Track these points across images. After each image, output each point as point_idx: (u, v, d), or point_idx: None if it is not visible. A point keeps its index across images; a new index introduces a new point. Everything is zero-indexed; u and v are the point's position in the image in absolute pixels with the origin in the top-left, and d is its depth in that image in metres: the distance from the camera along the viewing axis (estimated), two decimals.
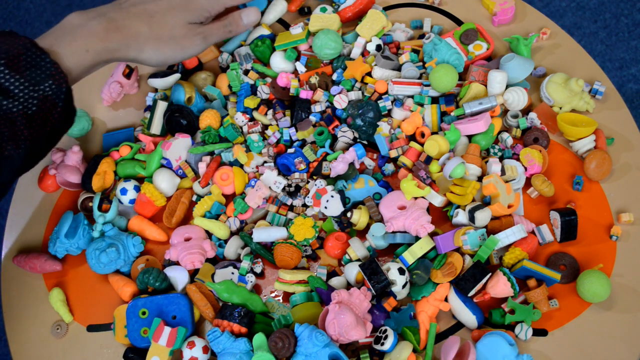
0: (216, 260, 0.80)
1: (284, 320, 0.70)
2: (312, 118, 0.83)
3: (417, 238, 0.74)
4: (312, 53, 0.90)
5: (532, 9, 0.92)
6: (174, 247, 0.77)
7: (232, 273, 0.76)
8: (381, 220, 0.77)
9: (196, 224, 0.80)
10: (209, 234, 0.80)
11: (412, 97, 0.83)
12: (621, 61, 1.67)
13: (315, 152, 0.81)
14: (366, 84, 0.85)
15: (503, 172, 0.77)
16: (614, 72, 1.66)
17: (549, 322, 0.72)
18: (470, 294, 0.71)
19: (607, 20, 1.72)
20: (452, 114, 0.81)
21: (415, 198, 0.76)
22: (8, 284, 0.82)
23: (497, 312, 0.71)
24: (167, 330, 0.69)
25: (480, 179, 0.78)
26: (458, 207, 0.76)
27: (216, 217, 0.81)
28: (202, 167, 0.82)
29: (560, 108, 0.82)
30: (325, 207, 0.77)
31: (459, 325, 0.73)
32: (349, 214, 0.77)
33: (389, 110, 0.84)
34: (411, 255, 0.72)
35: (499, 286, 0.70)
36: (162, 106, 0.86)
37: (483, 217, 0.72)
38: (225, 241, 0.79)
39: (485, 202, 0.76)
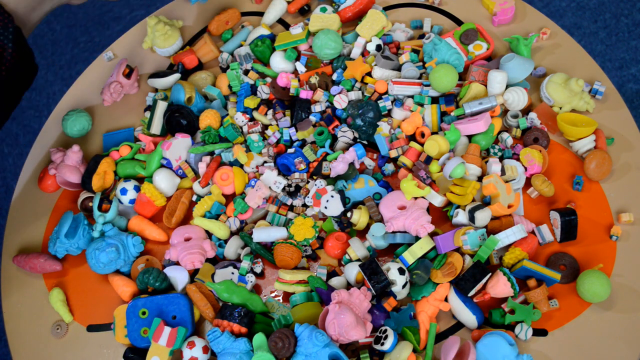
0: (216, 260, 0.80)
1: (284, 320, 0.70)
2: (312, 118, 0.83)
3: (417, 238, 0.74)
4: (312, 53, 0.90)
5: (532, 9, 0.92)
6: (174, 247, 0.77)
7: (232, 273, 0.76)
8: (381, 220, 0.77)
9: (196, 224, 0.80)
10: (209, 234, 0.80)
11: (412, 97, 0.83)
12: (621, 61, 1.66)
13: (315, 152, 0.81)
14: (366, 84, 0.85)
15: (503, 172, 0.77)
16: (614, 72, 1.66)
17: (549, 322, 0.72)
18: (470, 294, 0.71)
19: (607, 20, 1.72)
20: (452, 114, 0.81)
21: (415, 198, 0.76)
22: (8, 284, 0.82)
23: (497, 312, 0.71)
24: (167, 330, 0.69)
25: (480, 179, 0.78)
26: (458, 207, 0.76)
27: (216, 217, 0.81)
28: (202, 167, 0.82)
29: (560, 108, 0.82)
30: (325, 207, 0.77)
31: (459, 325, 0.73)
32: (349, 214, 0.77)
33: (389, 110, 0.84)
34: (411, 255, 0.72)
35: (499, 286, 0.70)
36: (162, 106, 0.86)
37: (483, 217, 0.72)
38: (225, 241, 0.79)
39: (485, 202, 0.76)
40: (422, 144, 0.80)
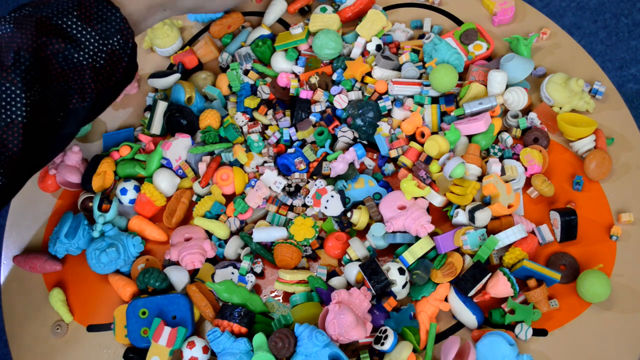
0: (216, 260, 0.80)
1: (284, 320, 0.70)
2: (312, 118, 0.83)
3: (417, 238, 0.74)
4: (312, 53, 0.90)
5: (532, 9, 0.92)
6: (174, 247, 0.77)
7: (232, 273, 0.76)
8: (381, 220, 0.77)
9: (196, 224, 0.80)
10: (209, 234, 0.80)
11: (412, 97, 0.83)
12: (621, 61, 1.67)
13: (315, 152, 0.81)
14: (366, 84, 0.85)
15: (503, 172, 0.77)
16: (614, 72, 1.66)
17: (549, 322, 0.72)
18: (470, 294, 0.71)
19: (607, 20, 1.72)
20: (452, 114, 0.81)
21: (415, 198, 0.76)
22: (8, 284, 0.82)
23: (497, 312, 0.71)
24: (167, 330, 0.69)
25: (480, 179, 0.78)
26: (458, 207, 0.76)
27: (216, 217, 0.81)
28: (202, 167, 0.82)
29: (560, 108, 0.82)
30: (325, 207, 0.77)
31: (459, 325, 0.73)
32: (349, 214, 0.77)
33: (389, 110, 0.84)
34: (411, 255, 0.72)
35: (499, 286, 0.70)
36: (162, 106, 0.86)
37: (483, 217, 0.72)
38: (225, 241, 0.79)
39: (485, 202, 0.76)
40: (422, 144, 0.80)
